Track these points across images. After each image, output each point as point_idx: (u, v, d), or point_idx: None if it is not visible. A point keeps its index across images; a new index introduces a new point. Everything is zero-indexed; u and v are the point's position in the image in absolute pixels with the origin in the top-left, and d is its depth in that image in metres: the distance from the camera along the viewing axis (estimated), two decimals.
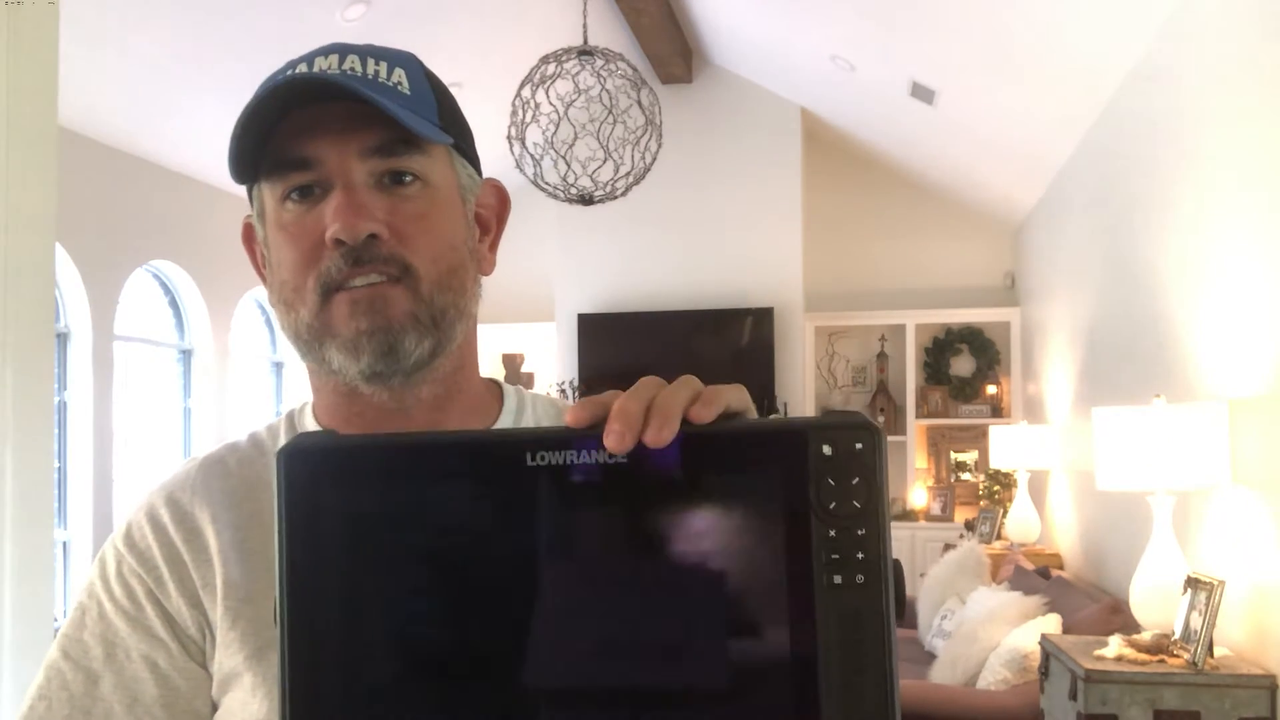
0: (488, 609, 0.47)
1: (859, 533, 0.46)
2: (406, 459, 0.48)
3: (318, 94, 0.73)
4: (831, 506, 0.46)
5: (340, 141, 0.74)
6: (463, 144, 0.81)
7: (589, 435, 0.47)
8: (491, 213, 0.85)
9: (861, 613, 0.46)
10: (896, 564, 0.48)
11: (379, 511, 0.47)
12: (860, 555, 0.46)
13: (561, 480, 0.46)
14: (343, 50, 0.76)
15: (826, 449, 0.46)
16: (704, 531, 0.46)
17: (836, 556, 0.46)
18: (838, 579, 0.46)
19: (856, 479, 0.46)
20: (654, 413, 0.47)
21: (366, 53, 0.77)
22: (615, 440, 0.46)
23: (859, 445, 0.46)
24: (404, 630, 0.47)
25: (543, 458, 0.46)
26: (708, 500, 0.47)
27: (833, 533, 0.46)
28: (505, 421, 0.85)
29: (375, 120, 0.73)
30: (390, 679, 0.47)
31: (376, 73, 0.75)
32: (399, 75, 0.76)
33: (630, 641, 0.46)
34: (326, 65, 0.75)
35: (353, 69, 0.75)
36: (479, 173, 0.84)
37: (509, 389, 0.88)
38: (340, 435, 0.48)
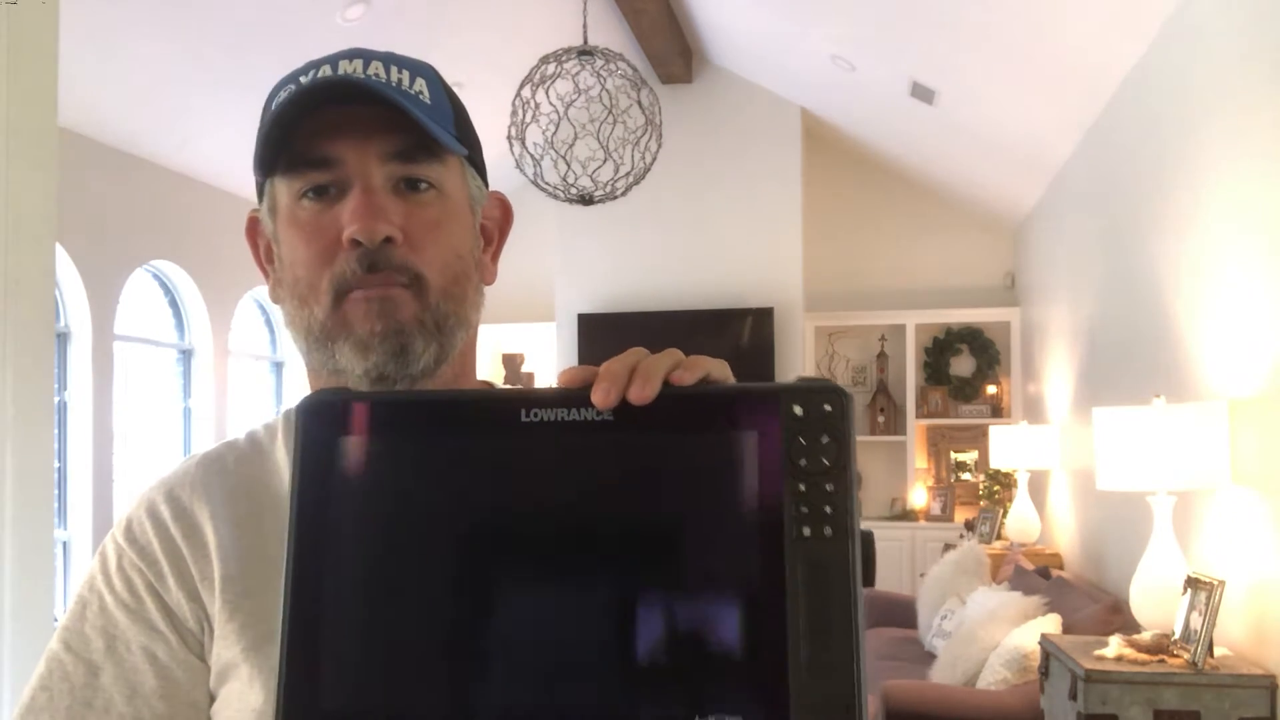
0: (481, 555, 0.50)
1: (827, 488, 0.48)
2: (411, 415, 0.52)
3: (355, 95, 0.75)
4: (802, 463, 0.48)
5: (362, 144, 0.75)
6: (475, 156, 0.83)
7: (578, 394, 0.50)
8: (495, 225, 0.87)
9: (829, 564, 0.48)
10: (867, 534, 0.50)
11: (384, 464, 0.51)
12: (828, 509, 0.48)
13: (552, 435, 0.50)
14: (366, 56, 0.78)
15: (798, 409, 0.49)
16: (682, 484, 0.49)
17: (806, 510, 0.48)
18: (807, 531, 0.48)
19: (826, 438, 0.49)
20: (638, 373, 0.50)
21: (389, 60, 0.78)
22: (601, 396, 0.49)
23: (828, 407, 0.49)
24: (403, 579, 0.50)
25: (535, 414, 0.50)
26: (686, 454, 0.50)
27: (802, 487, 0.48)
28: None
29: (396, 126, 0.75)
30: (389, 628, 0.49)
31: (400, 80, 0.77)
32: (420, 84, 0.78)
33: (615, 583, 0.49)
34: (351, 69, 0.77)
35: (377, 75, 0.77)
36: (486, 185, 0.86)
37: None
38: (353, 391, 0.52)
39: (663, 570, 0.49)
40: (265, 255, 0.84)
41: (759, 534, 0.48)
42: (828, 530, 0.48)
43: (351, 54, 0.78)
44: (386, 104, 0.74)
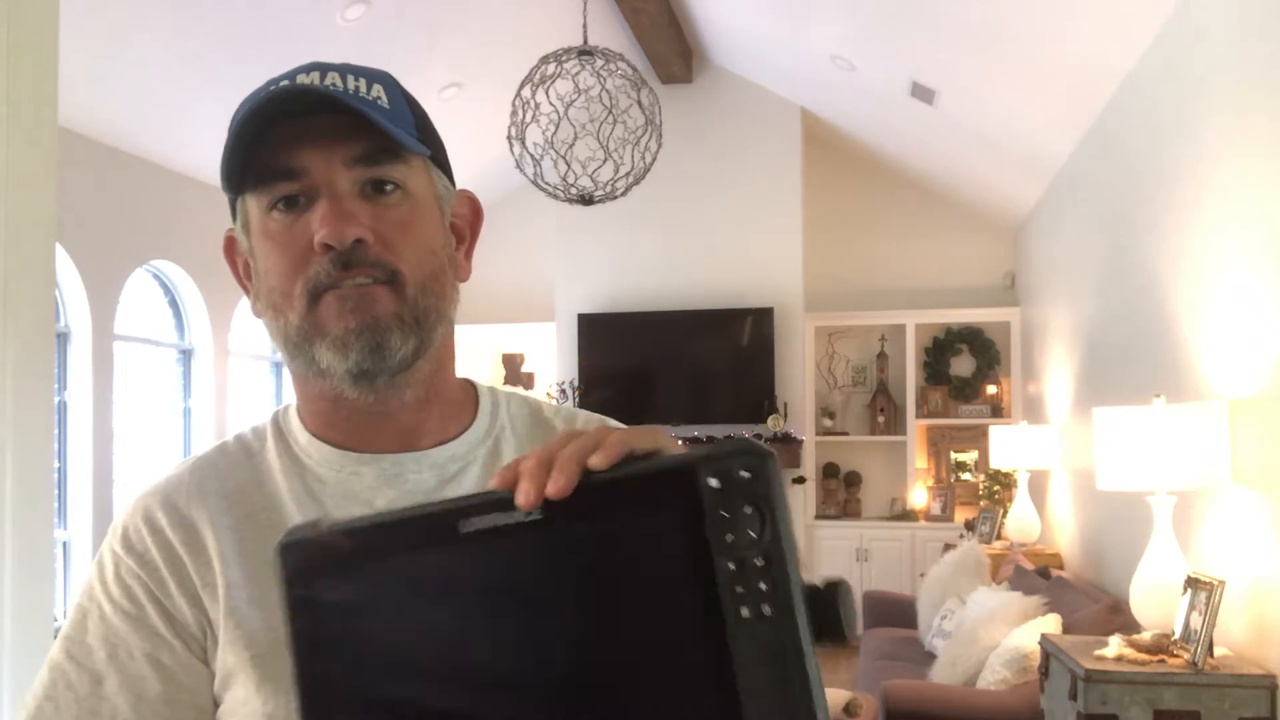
0: (448, 667, 0.50)
1: (758, 563, 0.45)
2: (367, 544, 0.52)
3: (309, 104, 0.76)
4: (728, 539, 0.45)
5: (326, 152, 0.77)
6: (438, 156, 0.84)
7: (507, 496, 0.49)
8: (465, 222, 0.88)
9: (775, 644, 0.45)
10: (839, 584, 0.48)
11: (355, 596, 0.51)
12: (763, 586, 0.45)
13: (489, 544, 0.49)
14: (323, 68, 0.79)
15: (714, 481, 0.45)
16: (616, 578, 0.47)
17: (741, 590, 0.45)
18: (745, 612, 0.45)
19: (749, 508, 0.45)
20: (555, 465, 0.49)
21: (345, 70, 0.80)
22: (522, 498, 0.49)
23: (746, 473, 0.45)
24: (386, 697, 0.51)
25: (472, 525, 0.49)
26: (614, 545, 0.47)
27: (733, 566, 0.45)
28: (482, 420, 0.88)
29: (358, 132, 0.76)
30: None
31: (357, 88, 0.79)
32: (378, 90, 0.79)
33: (563, 692, 0.48)
34: (308, 81, 0.78)
35: (334, 84, 0.78)
36: (453, 184, 0.87)
37: (483, 388, 0.91)
38: (316, 527, 0.53)
39: (611, 675, 0.47)
40: (244, 272, 0.85)
41: (699, 621, 0.45)
42: (767, 609, 0.44)
43: (308, 67, 0.80)
44: (345, 111, 0.75)
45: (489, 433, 0.87)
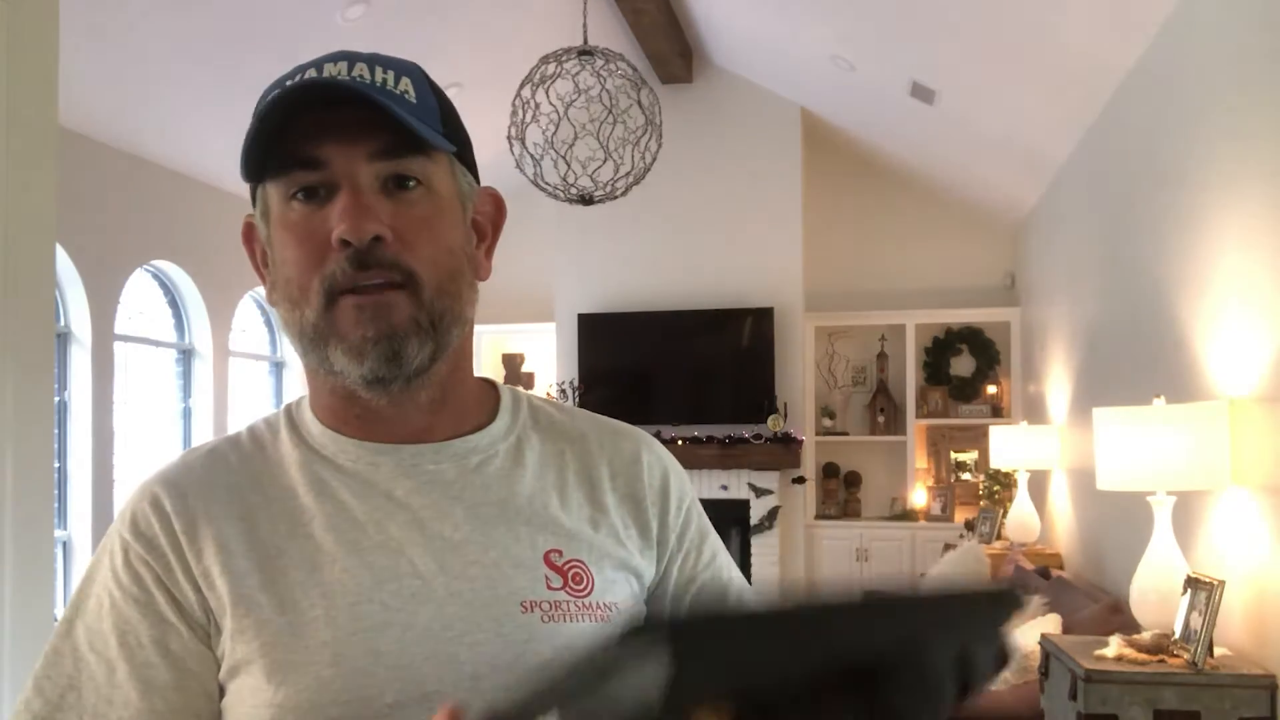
0: None
1: None
2: None
3: (334, 97, 0.75)
4: None
5: (348, 144, 0.76)
6: (463, 152, 0.83)
7: None
8: (488, 220, 0.87)
9: None
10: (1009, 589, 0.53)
11: None
12: None
13: None
14: (351, 58, 0.79)
15: None
16: None
17: None
18: None
19: None
20: None
21: (374, 61, 0.79)
22: None
23: None
24: None
25: None
26: None
27: None
28: (503, 417, 0.87)
29: (382, 125, 0.76)
30: None
31: (384, 80, 0.78)
32: (405, 84, 0.79)
33: None
34: (336, 71, 0.77)
35: (361, 76, 0.77)
36: (477, 181, 0.86)
37: (504, 389, 0.90)
38: None
39: None
40: (261, 260, 0.84)
41: None
42: None
43: (336, 56, 0.79)
44: (369, 104, 0.75)
45: (510, 429, 0.87)
